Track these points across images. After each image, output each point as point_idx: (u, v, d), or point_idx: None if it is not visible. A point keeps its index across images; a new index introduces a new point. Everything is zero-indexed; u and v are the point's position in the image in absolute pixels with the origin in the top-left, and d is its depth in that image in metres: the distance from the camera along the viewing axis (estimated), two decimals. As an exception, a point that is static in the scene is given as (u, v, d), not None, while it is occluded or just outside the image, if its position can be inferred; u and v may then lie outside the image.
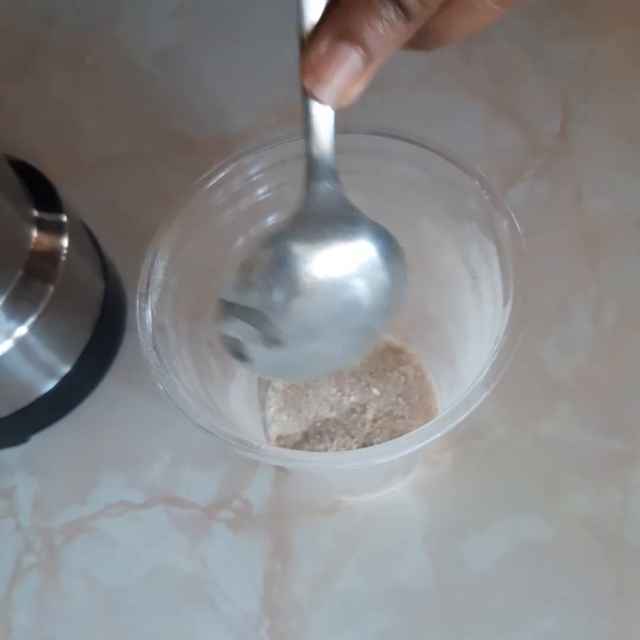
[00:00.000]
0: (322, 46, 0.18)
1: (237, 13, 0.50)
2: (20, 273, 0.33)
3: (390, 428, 0.34)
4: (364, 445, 0.34)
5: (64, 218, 0.35)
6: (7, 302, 0.32)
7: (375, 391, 0.35)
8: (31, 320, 0.33)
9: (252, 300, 0.23)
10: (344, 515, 0.36)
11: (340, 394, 0.35)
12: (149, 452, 0.38)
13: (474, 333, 0.28)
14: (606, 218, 0.41)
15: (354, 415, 0.34)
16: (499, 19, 0.19)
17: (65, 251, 0.34)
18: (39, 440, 0.39)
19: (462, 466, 0.36)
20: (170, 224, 0.26)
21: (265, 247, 0.22)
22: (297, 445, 0.34)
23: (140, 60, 0.50)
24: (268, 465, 0.37)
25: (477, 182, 0.25)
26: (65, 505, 0.38)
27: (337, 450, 0.33)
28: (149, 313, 0.25)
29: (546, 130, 0.44)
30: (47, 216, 0.35)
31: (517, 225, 0.24)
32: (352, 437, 0.34)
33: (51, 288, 0.34)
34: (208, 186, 0.27)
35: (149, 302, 0.25)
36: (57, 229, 0.35)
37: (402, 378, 0.35)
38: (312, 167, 0.21)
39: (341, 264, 0.23)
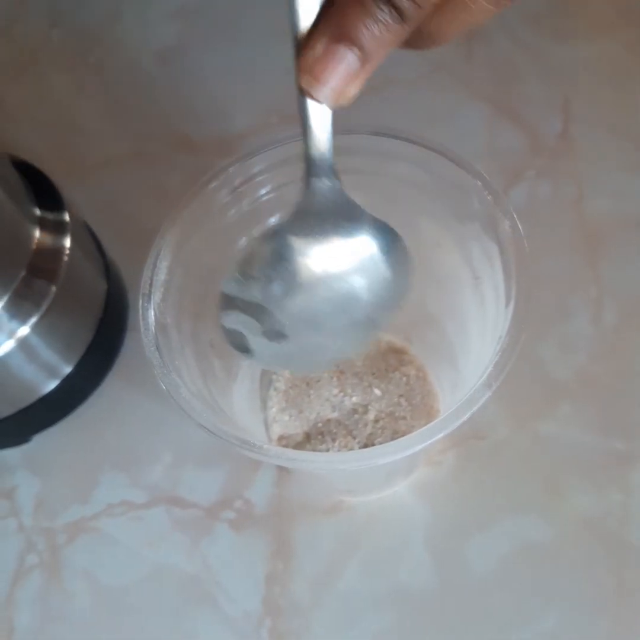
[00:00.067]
0: (319, 47, 0.18)
1: (238, 13, 0.50)
2: (22, 273, 0.33)
3: (392, 429, 0.34)
4: (366, 445, 0.34)
5: (67, 217, 0.35)
6: (10, 301, 0.32)
7: (377, 392, 0.35)
8: (33, 320, 0.33)
9: (253, 293, 0.23)
10: (345, 516, 0.36)
11: (342, 394, 0.35)
12: (151, 452, 0.38)
13: (475, 333, 0.28)
14: (607, 218, 0.41)
15: (356, 416, 0.34)
16: (492, 18, 0.19)
17: (67, 251, 0.34)
18: (41, 440, 0.39)
19: (464, 466, 0.36)
20: (172, 223, 0.26)
21: (265, 241, 0.23)
22: (298, 446, 0.34)
23: (141, 60, 0.50)
24: (270, 466, 0.37)
25: (479, 183, 0.25)
26: (67, 505, 0.38)
27: (338, 450, 0.33)
28: (152, 313, 0.25)
29: (547, 130, 0.44)
30: (50, 216, 0.34)
31: (519, 226, 0.25)
32: (354, 438, 0.34)
33: (54, 288, 0.34)
34: (211, 186, 0.27)
35: (152, 302, 0.25)
36: (60, 228, 0.35)
37: (404, 379, 0.35)
38: (312, 165, 0.21)
39: (342, 258, 0.23)
